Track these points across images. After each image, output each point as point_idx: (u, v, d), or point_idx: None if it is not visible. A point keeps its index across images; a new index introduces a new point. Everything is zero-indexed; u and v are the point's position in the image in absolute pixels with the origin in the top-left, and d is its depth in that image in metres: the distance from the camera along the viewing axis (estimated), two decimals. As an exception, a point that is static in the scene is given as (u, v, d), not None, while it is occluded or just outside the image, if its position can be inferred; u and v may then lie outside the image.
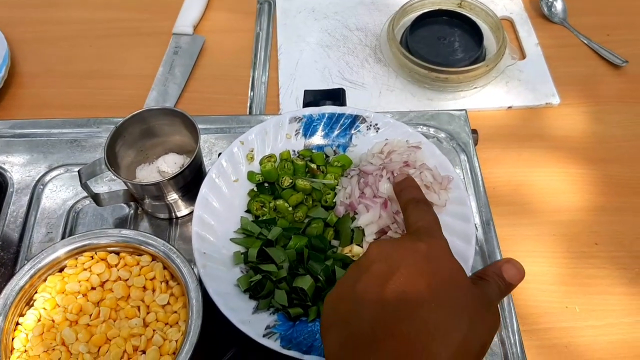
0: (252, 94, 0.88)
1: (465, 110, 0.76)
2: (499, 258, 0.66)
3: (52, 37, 0.97)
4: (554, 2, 0.97)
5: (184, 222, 0.67)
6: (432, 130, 0.75)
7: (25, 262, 0.61)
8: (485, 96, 0.86)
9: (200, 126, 0.62)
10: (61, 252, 0.57)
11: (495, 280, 0.44)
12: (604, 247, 0.71)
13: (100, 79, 0.91)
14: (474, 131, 0.74)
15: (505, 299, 0.63)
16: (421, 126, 0.76)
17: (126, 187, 0.66)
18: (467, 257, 0.56)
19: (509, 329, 0.62)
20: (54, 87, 0.90)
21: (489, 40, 0.90)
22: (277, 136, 0.65)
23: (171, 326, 0.54)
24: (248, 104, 0.87)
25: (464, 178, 0.71)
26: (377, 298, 0.39)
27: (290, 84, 0.89)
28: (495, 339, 0.61)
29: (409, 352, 0.37)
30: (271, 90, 0.89)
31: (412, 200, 0.50)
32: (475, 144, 0.74)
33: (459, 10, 0.92)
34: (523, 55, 0.91)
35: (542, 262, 0.70)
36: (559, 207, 0.75)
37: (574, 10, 0.97)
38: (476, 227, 0.66)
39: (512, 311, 0.63)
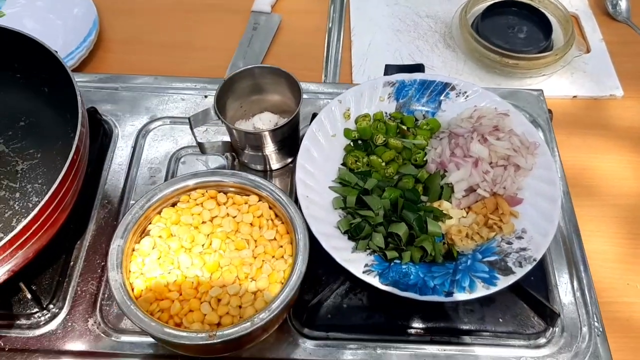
0: (325, 71, 0.92)
1: (541, 89, 0.79)
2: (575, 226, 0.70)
3: (139, 9, 1.02)
4: (619, 1, 1.00)
5: (277, 175, 0.71)
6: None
7: (133, 201, 0.66)
8: (552, 84, 0.89)
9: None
10: (181, 185, 0.61)
11: None
12: (664, 229, 0.74)
13: (182, 49, 0.96)
14: (549, 110, 0.78)
15: (582, 272, 0.67)
16: (499, 102, 0.79)
17: (226, 140, 0.70)
18: (553, 217, 0.59)
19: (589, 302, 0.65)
20: (139, 53, 0.95)
21: (556, 33, 0.94)
22: (372, 98, 0.70)
23: (277, 259, 0.58)
24: (322, 81, 0.91)
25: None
26: None
27: (362, 63, 0.93)
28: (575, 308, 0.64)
29: None
30: (344, 69, 0.93)
31: None
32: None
33: (528, 2, 0.96)
34: (588, 49, 0.95)
35: (604, 242, 0.74)
36: (621, 192, 0.78)
37: (638, 9, 1.00)
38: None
39: (591, 282, 0.66)
